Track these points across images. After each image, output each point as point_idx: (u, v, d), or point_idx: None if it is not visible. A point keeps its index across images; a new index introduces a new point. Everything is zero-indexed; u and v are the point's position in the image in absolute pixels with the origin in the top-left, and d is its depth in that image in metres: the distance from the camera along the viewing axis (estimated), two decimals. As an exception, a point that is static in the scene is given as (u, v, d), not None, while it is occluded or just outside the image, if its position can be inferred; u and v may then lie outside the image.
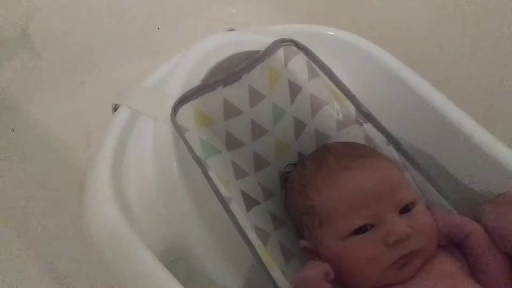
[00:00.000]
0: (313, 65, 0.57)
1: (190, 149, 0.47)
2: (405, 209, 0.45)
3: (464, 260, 0.46)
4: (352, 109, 0.57)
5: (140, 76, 0.59)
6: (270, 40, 0.55)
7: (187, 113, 0.49)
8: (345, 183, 0.46)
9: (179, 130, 0.47)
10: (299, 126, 0.57)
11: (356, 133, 0.56)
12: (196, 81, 0.51)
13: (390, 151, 0.54)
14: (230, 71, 0.52)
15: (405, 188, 0.47)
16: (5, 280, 0.56)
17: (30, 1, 0.71)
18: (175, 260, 0.48)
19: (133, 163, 0.50)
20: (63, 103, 0.79)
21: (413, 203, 0.46)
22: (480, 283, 0.44)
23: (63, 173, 0.75)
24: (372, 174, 0.46)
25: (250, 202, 0.51)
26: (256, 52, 0.54)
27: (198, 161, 0.46)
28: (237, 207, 0.45)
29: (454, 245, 0.47)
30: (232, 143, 0.53)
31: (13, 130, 0.68)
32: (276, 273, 0.45)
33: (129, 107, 0.51)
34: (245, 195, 0.51)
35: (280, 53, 0.56)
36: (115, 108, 0.53)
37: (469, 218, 0.50)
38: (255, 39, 0.56)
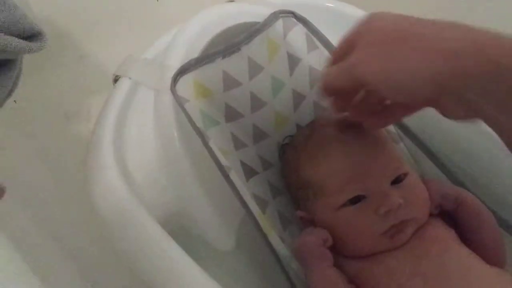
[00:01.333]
0: (312, 37, 0.57)
1: (190, 119, 0.47)
2: (397, 180, 0.46)
3: (456, 228, 0.48)
4: (350, 81, 0.57)
5: (140, 48, 0.59)
6: (269, 11, 0.55)
7: (186, 84, 0.49)
8: (336, 155, 0.46)
9: (179, 101, 0.48)
10: (298, 98, 0.58)
11: (353, 105, 0.57)
12: (196, 52, 0.51)
13: (386, 122, 0.55)
14: (229, 42, 0.52)
15: (397, 160, 0.47)
16: (10, 250, 0.58)
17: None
18: (176, 228, 0.50)
19: (134, 134, 0.50)
20: (64, 76, 0.79)
21: (405, 174, 0.46)
22: (471, 247, 0.45)
23: (65, 145, 0.76)
24: (364, 146, 0.47)
25: (249, 172, 0.52)
26: (255, 23, 0.54)
27: (198, 131, 0.47)
28: (236, 176, 0.46)
29: (446, 214, 0.48)
30: (231, 114, 0.54)
31: (15, 101, 0.69)
32: (273, 238, 0.46)
33: (130, 78, 0.51)
34: (244, 165, 0.52)
35: (279, 24, 0.56)
36: (116, 80, 0.53)
37: (462, 188, 0.51)
38: (254, 10, 0.56)
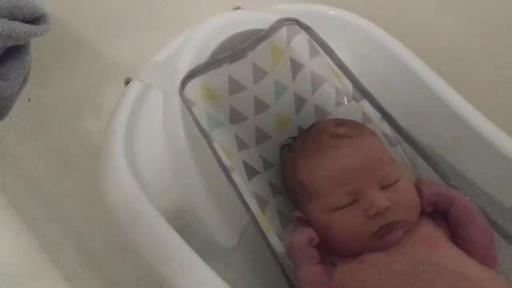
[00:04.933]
0: (314, 43, 0.60)
1: (197, 121, 0.50)
2: (387, 184, 0.48)
3: (448, 229, 0.50)
4: (350, 86, 0.60)
5: (150, 49, 0.62)
6: (273, 19, 0.58)
7: (194, 88, 0.52)
8: (329, 161, 0.49)
9: (186, 104, 0.50)
10: (300, 101, 0.60)
11: (353, 109, 0.60)
12: (204, 57, 0.53)
13: (383, 126, 0.58)
14: (235, 48, 0.55)
15: (388, 164, 0.50)
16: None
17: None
18: (183, 224, 0.52)
19: (144, 134, 0.53)
20: (76, 75, 0.82)
21: (396, 179, 0.49)
22: (463, 247, 0.47)
23: (76, 142, 0.78)
24: (355, 153, 0.49)
25: (251, 172, 0.55)
26: (260, 30, 0.57)
27: (203, 133, 0.50)
28: (238, 176, 0.49)
29: (439, 214, 0.51)
30: (235, 117, 0.56)
31: (29, 99, 0.72)
32: (271, 236, 0.49)
33: (140, 81, 0.54)
34: (246, 165, 0.55)
35: (283, 31, 0.58)
36: (127, 82, 0.56)
37: (454, 189, 0.54)
38: (259, 17, 0.58)
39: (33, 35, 0.47)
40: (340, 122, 0.55)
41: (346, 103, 0.60)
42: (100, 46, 0.86)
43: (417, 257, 0.45)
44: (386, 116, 0.59)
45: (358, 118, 0.59)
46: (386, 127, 0.58)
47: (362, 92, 0.59)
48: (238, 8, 0.62)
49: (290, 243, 0.49)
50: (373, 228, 0.46)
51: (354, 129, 0.53)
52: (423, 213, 0.50)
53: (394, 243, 0.47)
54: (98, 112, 0.80)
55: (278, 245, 0.49)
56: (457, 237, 0.49)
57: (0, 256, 0.38)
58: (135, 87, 0.54)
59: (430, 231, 0.48)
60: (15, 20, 0.45)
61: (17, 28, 0.44)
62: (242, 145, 0.56)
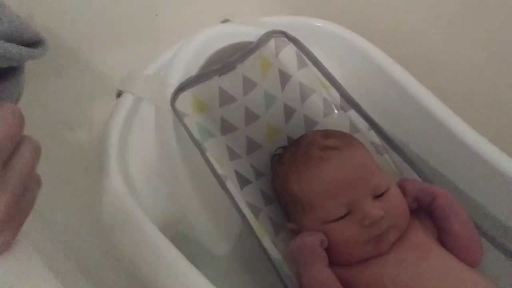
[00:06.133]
0: (302, 55, 0.61)
1: (189, 132, 0.51)
2: (379, 193, 0.50)
3: (434, 227, 0.52)
4: (337, 96, 0.61)
5: (139, 61, 0.62)
6: (262, 31, 0.59)
7: (185, 100, 0.53)
8: (322, 174, 0.50)
9: (178, 115, 0.51)
10: (289, 112, 0.62)
11: (341, 119, 0.62)
12: (194, 70, 0.54)
13: (371, 135, 0.60)
14: (225, 61, 0.56)
15: (378, 174, 0.51)
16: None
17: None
18: (175, 233, 0.53)
19: (136, 145, 0.54)
20: (65, 86, 0.82)
21: (386, 189, 0.50)
22: (447, 244, 0.49)
23: (65, 153, 0.78)
24: (347, 165, 0.50)
25: (243, 181, 0.56)
26: (249, 43, 0.58)
27: (196, 143, 0.51)
28: (232, 184, 0.50)
29: (424, 213, 0.52)
30: (226, 128, 0.57)
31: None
32: (266, 242, 0.50)
33: (132, 94, 0.55)
34: (238, 175, 0.56)
35: (272, 44, 0.60)
36: (119, 94, 0.57)
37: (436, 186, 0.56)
38: (248, 30, 0.60)
39: (30, 57, 0.48)
40: (328, 134, 0.56)
41: (334, 113, 0.62)
42: (89, 58, 0.86)
43: (410, 262, 0.47)
44: (373, 125, 0.60)
45: (346, 128, 0.61)
46: (373, 136, 0.60)
47: (349, 102, 0.61)
48: (226, 20, 0.63)
49: (300, 244, 0.49)
50: (369, 237, 0.47)
51: (343, 140, 0.54)
52: (411, 215, 0.51)
53: (387, 248, 0.48)
54: (88, 123, 0.80)
55: (273, 251, 0.50)
56: (442, 232, 0.51)
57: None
58: (127, 100, 0.55)
59: (420, 237, 0.50)
60: (13, 43, 0.46)
61: (14, 50, 0.45)
62: (233, 155, 0.57)
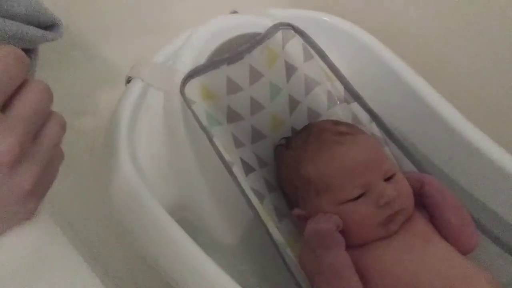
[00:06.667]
0: (308, 47, 0.62)
1: (197, 119, 0.52)
2: (388, 176, 0.52)
3: (427, 215, 0.54)
4: (341, 89, 0.63)
5: (147, 50, 0.63)
6: (269, 23, 0.61)
7: (194, 87, 0.54)
8: (339, 157, 0.52)
9: (187, 102, 0.53)
10: (294, 103, 0.63)
11: (344, 111, 0.63)
12: (203, 58, 0.56)
13: (372, 127, 0.62)
14: (233, 51, 0.57)
15: (387, 160, 0.54)
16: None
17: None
18: (180, 219, 0.54)
19: (145, 131, 0.55)
20: (73, 73, 0.83)
21: (394, 173, 0.52)
22: (440, 230, 0.52)
23: (72, 139, 0.80)
24: (362, 149, 0.53)
25: (247, 168, 0.57)
26: (257, 34, 0.60)
27: (204, 129, 0.52)
28: (238, 170, 0.52)
29: (421, 206, 0.54)
30: (232, 116, 0.59)
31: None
32: (271, 226, 0.52)
33: (142, 80, 0.56)
34: (243, 162, 0.57)
35: (279, 36, 0.61)
36: (128, 80, 0.58)
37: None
38: (256, 22, 0.61)
39: (44, 39, 0.49)
40: (337, 122, 0.58)
41: (337, 105, 0.63)
42: (96, 48, 0.87)
43: (413, 248, 0.49)
44: (375, 117, 0.62)
45: (348, 120, 0.62)
46: (375, 129, 0.62)
47: (352, 94, 0.63)
48: (235, 12, 0.65)
49: (317, 229, 0.50)
50: (383, 217, 0.50)
51: (352, 127, 0.56)
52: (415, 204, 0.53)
53: (396, 229, 0.50)
54: (94, 111, 0.81)
55: (277, 235, 0.52)
56: (434, 219, 0.53)
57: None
58: (136, 86, 0.56)
59: (422, 225, 0.52)
60: (30, 25, 0.47)
61: (30, 32, 0.47)
62: (238, 143, 0.59)
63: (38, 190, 0.30)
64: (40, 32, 0.49)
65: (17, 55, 0.28)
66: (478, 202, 0.58)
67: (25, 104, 0.28)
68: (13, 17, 0.47)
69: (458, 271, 0.47)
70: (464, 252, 0.50)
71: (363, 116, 0.62)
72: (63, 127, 0.31)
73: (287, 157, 0.58)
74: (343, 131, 0.55)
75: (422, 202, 0.54)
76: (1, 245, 0.30)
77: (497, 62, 0.73)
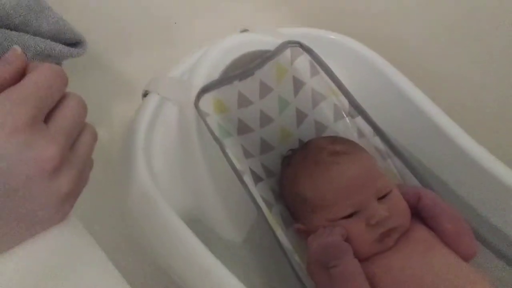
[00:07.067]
0: (315, 64, 0.66)
1: (211, 130, 0.56)
2: (382, 196, 0.54)
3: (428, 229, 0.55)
4: (346, 103, 0.66)
5: (162, 64, 0.67)
6: (279, 41, 0.64)
7: (208, 101, 0.58)
8: (334, 176, 0.54)
9: (201, 115, 0.56)
10: (301, 116, 0.66)
11: (349, 124, 0.66)
12: (217, 74, 0.59)
13: (375, 141, 0.64)
14: (245, 67, 0.61)
15: (382, 178, 0.55)
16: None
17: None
18: (193, 220, 0.57)
19: (160, 141, 0.58)
20: (89, 84, 0.86)
21: (389, 191, 0.54)
22: (439, 238, 0.53)
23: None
24: (357, 168, 0.55)
25: (256, 178, 0.60)
26: (267, 51, 0.63)
27: (217, 140, 0.55)
28: (248, 179, 0.55)
29: (419, 220, 0.56)
30: (243, 128, 0.62)
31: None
32: (279, 233, 0.55)
33: (158, 94, 0.59)
34: (252, 172, 0.60)
35: (288, 53, 0.64)
36: (145, 94, 0.61)
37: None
38: (266, 40, 0.64)
39: (70, 56, 0.53)
40: (334, 140, 0.60)
41: (343, 118, 0.66)
42: (110, 62, 0.91)
43: (416, 255, 0.50)
44: (378, 131, 0.65)
45: (354, 133, 0.65)
46: (378, 142, 0.64)
47: (357, 108, 0.65)
48: (245, 30, 0.68)
49: (323, 244, 0.51)
50: (375, 235, 0.51)
51: (349, 145, 0.59)
52: (412, 216, 0.55)
53: (391, 245, 0.52)
54: (109, 122, 0.84)
55: (285, 241, 0.55)
56: (432, 230, 0.54)
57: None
58: (153, 100, 0.59)
59: (422, 233, 0.53)
60: (57, 42, 0.51)
61: (57, 48, 0.50)
62: (247, 154, 0.62)
63: (73, 194, 0.32)
64: (66, 49, 0.52)
65: (57, 71, 0.31)
66: (479, 215, 0.60)
67: (65, 116, 0.31)
68: (42, 34, 0.51)
69: (463, 276, 0.49)
70: (464, 259, 0.52)
71: (367, 129, 0.65)
72: (95, 137, 0.35)
73: (287, 173, 0.61)
74: (339, 150, 0.57)
75: (420, 215, 0.55)
76: (38, 243, 0.33)
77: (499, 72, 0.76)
